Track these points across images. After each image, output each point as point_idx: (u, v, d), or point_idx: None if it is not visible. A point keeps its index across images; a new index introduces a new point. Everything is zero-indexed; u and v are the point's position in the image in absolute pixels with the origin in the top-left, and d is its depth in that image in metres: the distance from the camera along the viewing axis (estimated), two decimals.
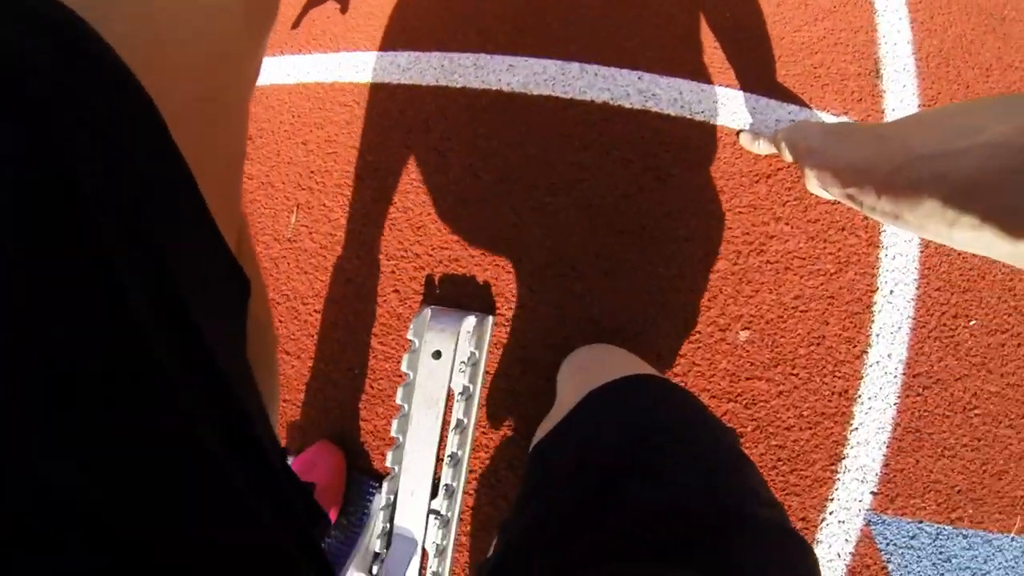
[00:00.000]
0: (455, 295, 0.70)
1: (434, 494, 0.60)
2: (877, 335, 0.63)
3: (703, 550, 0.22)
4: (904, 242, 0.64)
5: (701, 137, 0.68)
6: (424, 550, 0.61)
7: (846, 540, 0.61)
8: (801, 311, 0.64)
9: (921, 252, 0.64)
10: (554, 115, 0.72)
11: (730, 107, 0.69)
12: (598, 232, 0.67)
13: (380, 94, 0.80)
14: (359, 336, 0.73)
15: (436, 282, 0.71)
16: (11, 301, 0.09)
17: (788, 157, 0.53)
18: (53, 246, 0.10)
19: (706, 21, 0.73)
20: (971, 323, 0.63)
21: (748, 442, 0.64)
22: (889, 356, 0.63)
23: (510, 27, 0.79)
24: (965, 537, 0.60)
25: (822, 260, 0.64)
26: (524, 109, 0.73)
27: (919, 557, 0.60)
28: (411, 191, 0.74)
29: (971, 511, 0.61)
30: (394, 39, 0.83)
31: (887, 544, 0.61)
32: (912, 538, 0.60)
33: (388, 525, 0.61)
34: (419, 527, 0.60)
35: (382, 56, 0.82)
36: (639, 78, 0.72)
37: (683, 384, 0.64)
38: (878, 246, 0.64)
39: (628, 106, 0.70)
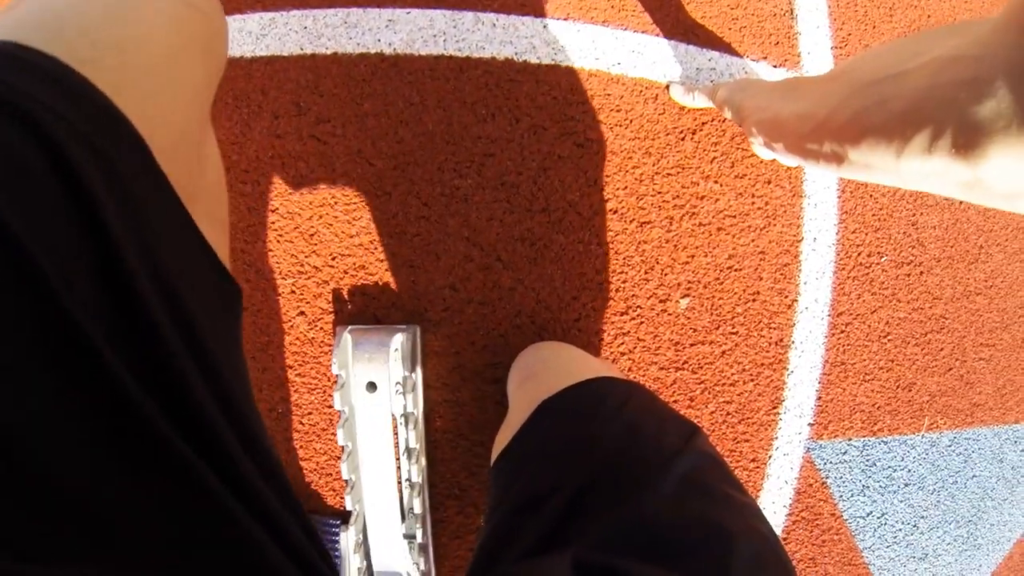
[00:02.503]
0: (370, 308, 0.60)
1: (401, 518, 0.57)
2: (805, 283, 0.63)
3: (691, 562, 0.21)
4: (824, 189, 0.63)
5: (620, 92, 0.61)
6: None
7: (790, 468, 0.66)
8: (736, 270, 0.62)
9: (839, 197, 0.64)
10: (450, 79, 0.60)
11: (648, 56, 0.61)
12: (518, 214, 0.59)
13: (232, 72, 0.62)
14: (272, 372, 0.61)
15: (345, 296, 0.60)
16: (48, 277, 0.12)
17: (729, 115, 0.49)
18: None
19: None
20: (883, 259, 0.65)
21: (698, 403, 0.64)
22: (816, 301, 0.64)
23: None
24: (885, 443, 0.66)
25: (751, 216, 0.62)
26: (413, 75, 0.61)
27: (850, 468, 0.66)
28: (292, 192, 0.61)
29: (888, 421, 0.67)
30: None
31: (824, 464, 0.66)
32: (844, 454, 0.66)
33: (366, 562, 0.59)
34: (399, 557, 0.58)
35: (227, 21, 0.64)
36: (544, 27, 0.61)
37: (630, 360, 0.62)
38: (801, 195, 0.63)
39: (535, 61, 0.60)
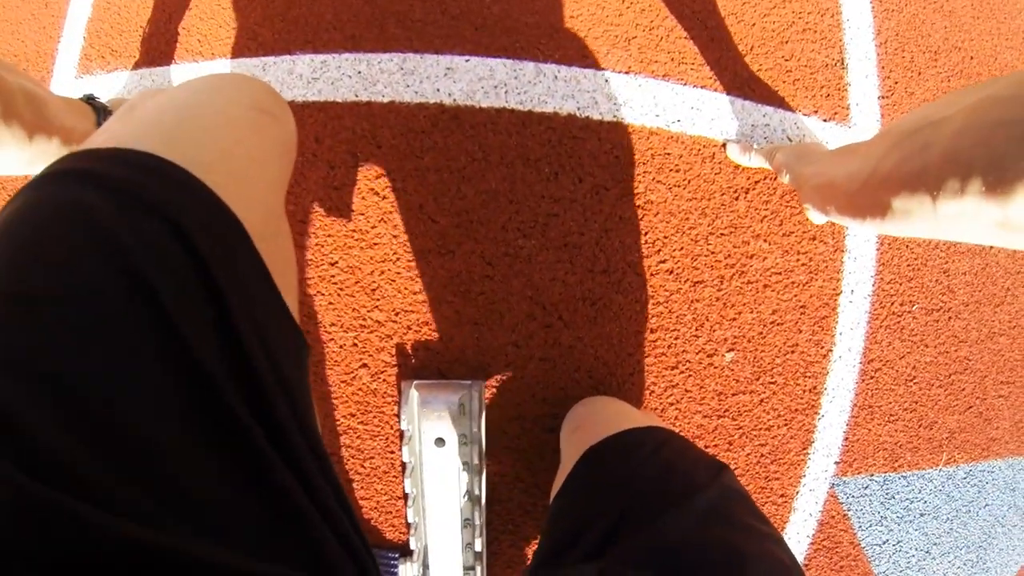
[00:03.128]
0: (434, 363, 0.62)
1: (460, 553, 0.61)
2: (840, 334, 0.67)
3: None
4: (864, 243, 0.66)
5: (679, 152, 0.61)
6: None
7: (815, 503, 0.71)
8: (778, 324, 0.65)
9: (877, 249, 0.67)
10: (512, 134, 0.60)
11: (707, 113, 0.62)
12: (580, 274, 0.61)
13: None
14: (332, 420, 0.63)
15: (409, 350, 0.62)
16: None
17: (786, 180, 0.50)
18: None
19: (672, 7, 0.62)
20: (914, 308, 0.69)
21: (736, 447, 0.68)
22: (850, 350, 0.68)
23: (439, 13, 0.62)
24: (904, 478, 0.72)
25: (795, 272, 0.64)
26: (475, 128, 0.60)
27: (871, 501, 0.71)
28: (353, 245, 0.61)
29: (909, 457, 0.73)
30: (286, 37, 0.62)
31: (847, 498, 0.71)
32: (865, 489, 0.71)
33: None
34: None
35: (275, 63, 0.62)
36: (606, 81, 0.61)
37: (677, 409, 0.65)
38: (843, 250, 0.65)
39: (597, 117, 0.60)
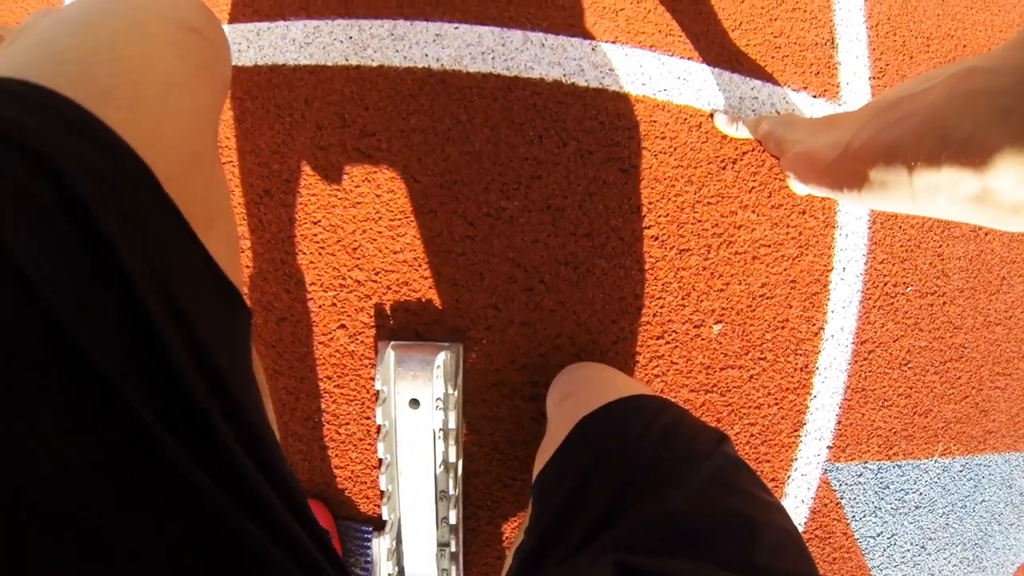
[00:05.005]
0: (412, 324, 0.61)
1: (435, 527, 0.59)
2: (832, 311, 0.65)
3: (716, 550, 0.23)
4: (856, 219, 0.65)
5: (665, 119, 0.61)
6: None
7: (807, 489, 0.68)
8: (767, 298, 0.64)
9: (869, 228, 0.66)
10: (498, 98, 0.61)
11: (693, 83, 0.62)
12: (563, 237, 0.60)
13: (275, 80, 0.62)
14: (310, 382, 0.62)
15: (388, 311, 0.61)
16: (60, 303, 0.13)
17: (771, 148, 0.50)
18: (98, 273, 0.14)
19: None
20: (908, 289, 0.67)
21: (724, 424, 0.66)
22: (842, 329, 0.66)
23: None
24: (899, 467, 0.69)
25: (785, 245, 0.63)
26: (461, 91, 0.61)
27: (864, 490, 0.69)
28: (336, 204, 0.61)
29: (904, 446, 0.70)
30: (281, 2, 0.64)
31: (840, 485, 0.68)
32: (859, 476, 0.68)
33: (398, 567, 0.60)
34: (430, 564, 0.59)
35: (270, 28, 0.63)
36: (593, 49, 0.62)
37: (663, 382, 0.63)
38: (834, 226, 0.64)
39: (583, 84, 0.61)
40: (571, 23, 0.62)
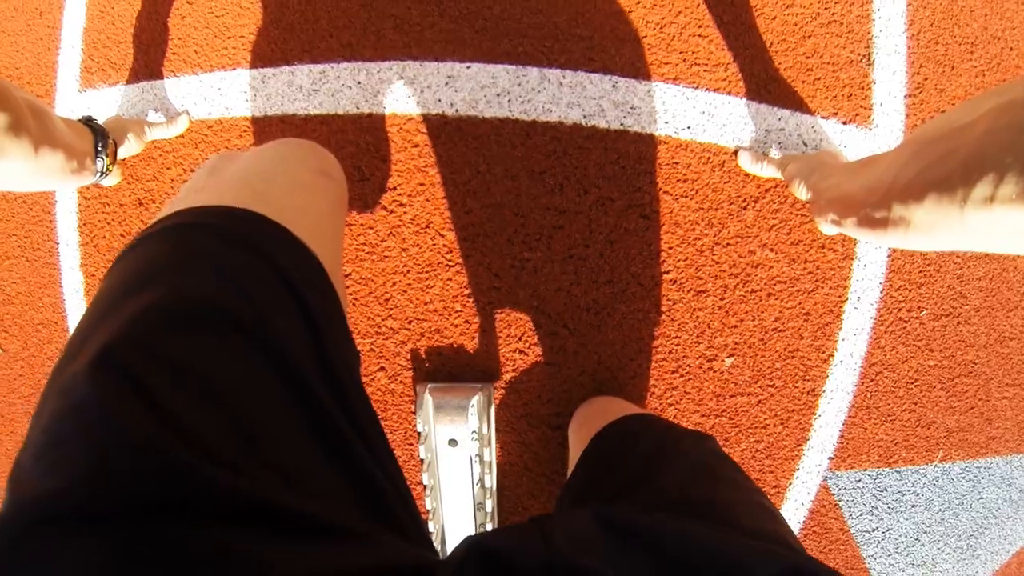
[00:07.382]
0: (447, 366, 0.66)
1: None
2: (843, 339, 0.68)
3: (688, 509, 0.28)
4: (875, 250, 0.65)
5: (688, 160, 0.60)
6: None
7: (807, 494, 0.75)
8: (779, 331, 0.66)
9: (888, 256, 0.66)
10: (516, 145, 0.60)
11: (718, 118, 0.60)
12: (584, 285, 0.62)
13: (287, 132, 0.62)
14: None
15: (423, 355, 0.66)
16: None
17: (799, 192, 0.48)
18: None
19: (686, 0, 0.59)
20: (922, 313, 0.69)
21: (732, 443, 0.72)
22: (851, 355, 0.69)
23: (437, 16, 0.60)
24: (898, 472, 0.75)
25: (801, 281, 0.65)
26: (478, 139, 0.60)
27: (862, 493, 0.75)
28: (364, 258, 0.64)
29: (904, 454, 0.75)
30: (283, 46, 0.62)
31: (839, 490, 0.75)
32: (858, 482, 0.74)
33: None
34: None
35: (275, 74, 0.62)
36: (614, 86, 0.59)
37: (676, 409, 0.69)
38: (852, 257, 0.65)
39: (604, 126, 0.59)
40: (590, 56, 0.59)
